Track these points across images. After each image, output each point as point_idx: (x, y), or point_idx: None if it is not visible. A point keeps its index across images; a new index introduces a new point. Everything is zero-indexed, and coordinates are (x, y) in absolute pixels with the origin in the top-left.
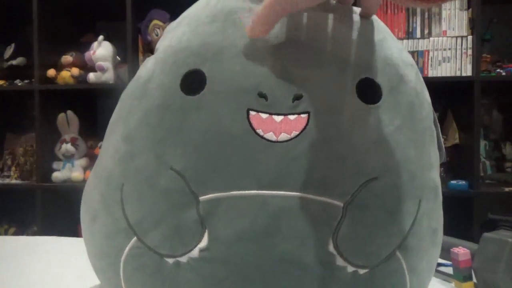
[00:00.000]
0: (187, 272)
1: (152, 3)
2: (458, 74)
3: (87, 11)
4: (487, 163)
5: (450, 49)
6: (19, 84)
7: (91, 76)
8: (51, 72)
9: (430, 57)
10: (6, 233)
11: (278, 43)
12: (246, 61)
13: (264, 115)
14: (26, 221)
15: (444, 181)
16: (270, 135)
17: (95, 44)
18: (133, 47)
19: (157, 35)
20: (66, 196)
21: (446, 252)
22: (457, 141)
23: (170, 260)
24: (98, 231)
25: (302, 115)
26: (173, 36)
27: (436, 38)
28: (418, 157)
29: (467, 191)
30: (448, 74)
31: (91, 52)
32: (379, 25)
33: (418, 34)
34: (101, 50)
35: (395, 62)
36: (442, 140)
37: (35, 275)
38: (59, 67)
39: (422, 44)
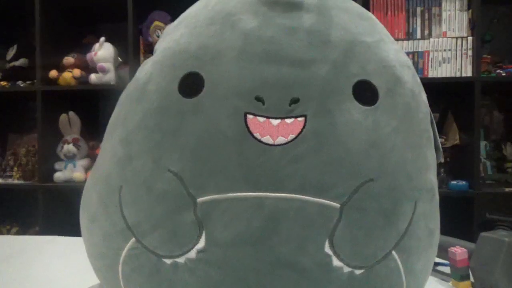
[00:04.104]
0: (185, 273)
1: (153, 4)
2: (458, 74)
3: (89, 12)
4: (488, 163)
5: (450, 50)
6: (21, 85)
7: (93, 77)
8: (53, 73)
9: (430, 58)
10: (8, 232)
11: (275, 46)
12: (244, 64)
13: (261, 119)
14: (28, 221)
15: (444, 181)
16: (267, 139)
17: (96, 45)
18: (134, 48)
19: (158, 36)
20: (68, 196)
21: (444, 252)
22: (457, 141)
23: (168, 261)
24: (97, 232)
25: (299, 119)
26: (171, 38)
27: (436, 39)
28: (414, 159)
29: (467, 191)
30: (448, 75)
31: (93, 53)
32: (376, 26)
33: (419, 35)
34: (103, 51)
35: (392, 64)
36: (439, 140)
37: (37, 275)
38: (60, 68)
39: (423, 45)
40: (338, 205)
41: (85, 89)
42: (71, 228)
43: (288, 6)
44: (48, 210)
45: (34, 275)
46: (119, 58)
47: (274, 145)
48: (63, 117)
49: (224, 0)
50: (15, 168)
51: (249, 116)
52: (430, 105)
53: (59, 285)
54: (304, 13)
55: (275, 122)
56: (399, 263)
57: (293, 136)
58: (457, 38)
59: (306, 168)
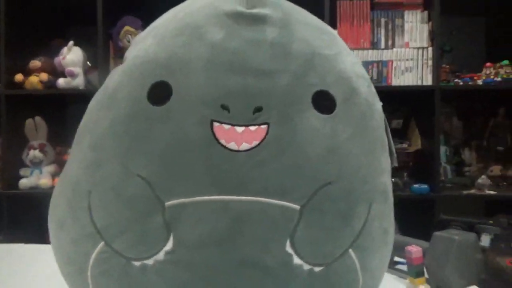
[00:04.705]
0: (153, 275)
1: (124, 9)
2: (419, 83)
3: (57, 15)
4: (448, 167)
5: (412, 59)
6: None
7: (61, 81)
8: (18, 77)
9: (394, 67)
10: None
11: (240, 57)
12: (210, 74)
13: (226, 126)
14: None
15: (407, 184)
16: (232, 145)
17: (65, 49)
18: (104, 53)
19: (128, 41)
20: (34, 203)
21: (401, 251)
22: (419, 146)
23: (137, 263)
24: (65, 237)
25: (262, 126)
26: (140, 47)
27: (399, 49)
28: (369, 164)
29: (428, 194)
30: (410, 83)
31: (61, 57)
32: (336, 40)
33: (383, 45)
34: (71, 55)
35: (348, 75)
36: (393, 146)
37: (5, 285)
38: (26, 72)
39: (387, 55)
40: (298, 207)
41: (53, 94)
42: (37, 235)
43: (252, 19)
44: (13, 217)
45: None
46: (88, 62)
47: (238, 151)
48: (29, 122)
49: (192, 13)
50: None
51: (215, 124)
52: (394, 112)
53: None
54: (268, 26)
55: (240, 129)
56: (356, 260)
57: (257, 142)
58: (418, 48)
59: (268, 172)
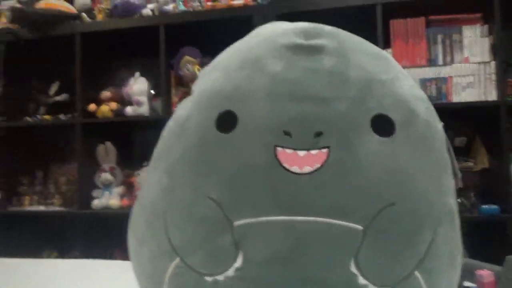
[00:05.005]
0: None
1: (184, 40)
2: (482, 99)
3: (123, 48)
4: None
5: (473, 75)
6: (63, 118)
7: (129, 109)
8: (92, 107)
9: (453, 83)
10: (49, 257)
11: (299, 86)
12: (272, 103)
13: (289, 151)
14: (68, 247)
15: (475, 205)
16: (295, 168)
17: (132, 80)
18: (166, 81)
19: (188, 70)
20: (105, 222)
21: (471, 275)
22: (486, 165)
23: (209, 279)
24: (144, 254)
25: (323, 150)
26: (207, 81)
27: (458, 65)
28: (432, 184)
29: (498, 215)
30: (472, 100)
31: (128, 87)
32: (392, 64)
33: (441, 62)
34: (137, 85)
35: (406, 98)
36: (457, 166)
37: None
38: (98, 102)
39: (445, 71)
40: (361, 228)
41: (121, 121)
42: (107, 252)
43: (309, 50)
44: (86, 235)
45: None
46: (152, 91)
47: (301, 173)
48: (101, 147)
49: (253, 47)
50: (57, 196)
51: (279, 149)
52: (457, 130)
53: None
54: (325, 56)
55: (302, 153)
56: (422, 282)
57: (318, 165)
58: (479, 63)
59: (330, 193)
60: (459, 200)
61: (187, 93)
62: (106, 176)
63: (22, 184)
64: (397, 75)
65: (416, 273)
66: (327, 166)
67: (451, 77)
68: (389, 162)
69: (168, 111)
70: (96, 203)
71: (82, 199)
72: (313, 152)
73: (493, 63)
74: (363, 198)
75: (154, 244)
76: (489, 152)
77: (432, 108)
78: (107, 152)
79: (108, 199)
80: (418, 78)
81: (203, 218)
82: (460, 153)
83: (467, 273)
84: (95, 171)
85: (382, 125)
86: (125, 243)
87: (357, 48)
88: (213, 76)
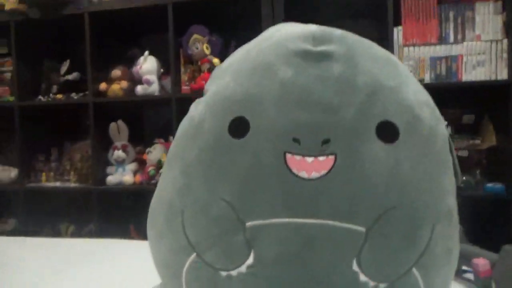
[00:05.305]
0: (237, 284)
1: (192, 18)
2: (493, 77)
3: (132, 26)
4: None
5: (484, 53)
6: (75, 97)
7: (139, 88)
8: (103, 86)
9: (464, 62)
10: (66, 230)
11: (308, 93)
12: (282, 110)
13: (298, 157)
14: (84, 220)
15: (480, 183)
16: (303, 174)
17: (141, 59)
18: (175, 60)
19: (197, 49)
20: (119, 198)
21: (469, 261)
22: (494, 143)
23: (223, 273)
24: (164, 247)
25: (330, 157)
26: (220, 83)
27: (469, 43)
28: (432, 187)
29: (503, 194)
30: (483, 78)
31: (138, 67)
32: (399, 69)
33: (452, 39)
34: (147, 64)
35: (411, 104)
36: (457, 165)
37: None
38: (109, 81)
39: (456, 49)
40: (364, 229)
41: (132, 100)
42: (121, 226)
43: (318, 56)
44: (101, 210)
45: (103, 277)
46: (161, 69)
47: (309, 179)
48: (113, 125)
49: (263, 51)
50: (72, 173)
51: (288, 155)
52: (465, 107)
53: (126, 285)
54: (333, 62)
55: (310, 159)
56: (419, 278)
57: (325, 171)
58: (491, 41)
59: (336, 198)
60: (464, 177)
61: (196, 71)
62: (118, 153)
63: (38, 161)
64: (403, 80)
65: (414, 270)
66: (333, 172)
67: (461, 55)
68: (391, 168)
69: (177, 89)
70: (110, 179)
71: (96, 175)
72: (321, 158)
73: (505, 41)
74: (366, 203)
75: (172, 238)
76: (497, 131)
77: (436, 111)
78: (119, 130)
79: (121, 175)
80: (429, 56)
81: (217, 218)
82: (468, 130)
83: (465, 259)
84: (108, 148)
85: (387, 132)
86: (139, 218)
87: (366, 53)
88: (226, 80)
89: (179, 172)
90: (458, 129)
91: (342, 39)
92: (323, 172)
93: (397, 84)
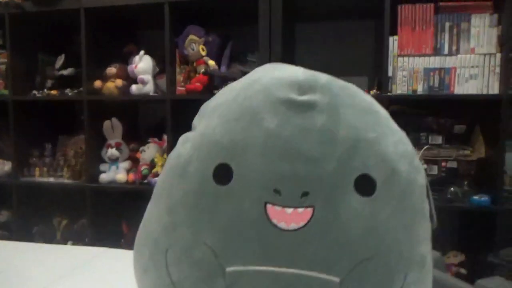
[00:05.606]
0: None
1: (188, 17)
2: (485, 91)
3: (128, 23)
4: None
5: (478, 66)
6: (69, 93)
7: (134, 88)
8: (97, 83)
9: (457, 74)
10: (59, 224)
11: (291, 145)
12: (265, 160)
13: (278, 208)
14: (77, 215)
15: (467, 195)
16: (282, 224)
17: (136, 58)
18: (171, 59)
19: (193, 50)
20: (112, 196)
21: None
22: (483, 155)
23: None
24: (149, 282)
25: (308, 209)
26: (207, 125)
27: (463, 55)
28: (407, 238)
29: (489, 206)
30: (475, 92)
31: (133, 65)
32: (379, 119)
33: (446, 51)
34: (142, 64)
35: (390, 157)
36: (433, 210)
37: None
38: (104, 78)
39: (450, 61)
40: (338, 280)
41: (127, 99)
42: (114, 222)
43: (302, 106)
44: (94, 207)
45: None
46: (156, 67)
47: (287, 230)
48: (107, 123)
49: (251, 97)
50: (65, 168)
51: (269, 205)
52: (457, 117)
53: None
54: (316, 113)
55: (289, 210)
56: None
57: (303, 223)
58: (485, 54)
59: (313, 249)
60: (452, 189)
61: (191, 72)
62: (112, 151)
63: (32, 156)
64: (384, 131)
65: None
66: (311, 224)
67: (455, 67)
68: (367, 221)
69: (172, 89)
70: (103, 177)
71: (90, 173)
72: (300, 210)
73: (498, 55)
74: (341, 254)
75: (156, 275)
76: (487, 143)
77: (415, 161)
78: (113, 127)
79: (114, 173)
80: (423, 67)
81: (199, 261)
82: (459, 140)
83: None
84: (102, 145)
85: (365, 185)
86: (132, 214)
87: (349, 102)
88: (213, 122)
89: (165, 210)
90: (448, 138)
91: (326, 88)
92: (301, 223)
93: (377, 136)
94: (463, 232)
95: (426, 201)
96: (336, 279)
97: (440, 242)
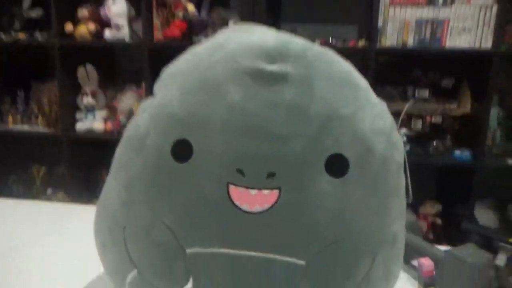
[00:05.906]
0: None
1: None
2: (477, 45)
3: None
4: (498, 131)
5: (472, 18)
6: (39, 39)
7: (107, 33)
8: (68, 26)
9: (450, 27)
10: (38, 173)
11: (256, 121)
12: (228, 137)
13: (241, 189)
14: (55, 162)
15: (449, 149)
16: (246, 207)
17: (110, 0)
18: (147, 3)
19: None
20: (89, 144)
21: (417, 255)
22: (467, 110)
23: None
24: (108, 257)
25: (274, 191)
26: (166, 94)
27: (459, 6)
28: (378, 219)
29: (470, 162)
30: (467, 46)
31: (106, 8)
32: (357, 92)
33: (441, 1)
34: (116, 7)
35: (365, 135)
36: (409, 185)
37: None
38: (76, 21)
39: (443, 13)
40: (303, 263)
41: (101, 45)
42: (93, 171)
43: (271, 78)
44: (72, 155)
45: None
46: (132, 11)
47: (252, 212)
48: (81, 70)
49: (215, 65)
50: (40, 116)
51: (231, 186)
52: (445, 71)
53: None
54: (287, 86)
55: (253, 192)
56: None
57: (269, 205)
58: (481, 6)
59: (278, 233)
60: (434, 143)
61: (170, 16)
62: (88, 99)
63: (4, 103)
64: (361, 104)
65: None
66: (277, 207)
67: (448, 20)
68: (337, 203)
69: (149, 35)
70: (80, 126)
71: (65, 121)
72: (265, 192)
73: (495, 8)
74: (308, 237)
75: (115, 250)
76: (474, 98)
77: (393, 137)
78: (88, 74)
79: (91, 122)
80: (415, 18)
81: (158, 241)
82: (445, 94)
83: (414, 253)
84: (77, 93)
85: (336, 165)
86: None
87: (325, 74)
88: (173, 92)
89: (122, 185)
90: (435, 92)
91: (300, 56)
92: (267, 206)
93: (353, 111)
94: (442, 185)
95: (403, 176)
96: (301, 262)
97: (418, 192)
